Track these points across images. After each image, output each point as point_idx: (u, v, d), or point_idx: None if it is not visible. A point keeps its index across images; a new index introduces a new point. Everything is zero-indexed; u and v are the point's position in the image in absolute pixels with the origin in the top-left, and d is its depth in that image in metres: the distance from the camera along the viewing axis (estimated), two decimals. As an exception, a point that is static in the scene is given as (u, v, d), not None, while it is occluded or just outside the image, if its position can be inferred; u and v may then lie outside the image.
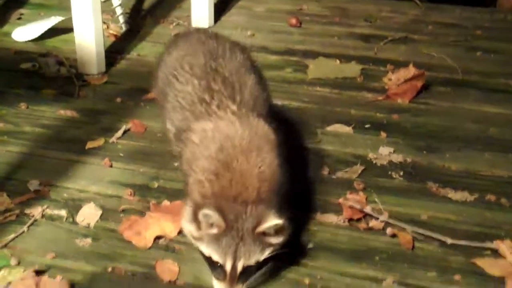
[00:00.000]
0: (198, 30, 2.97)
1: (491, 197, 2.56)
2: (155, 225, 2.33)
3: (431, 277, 2.17)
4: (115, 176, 2.64)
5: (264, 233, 1.97)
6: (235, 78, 2.30)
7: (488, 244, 2.29)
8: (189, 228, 2.05)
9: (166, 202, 2.47)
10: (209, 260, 2.01)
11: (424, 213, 2.46)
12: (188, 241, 2.26)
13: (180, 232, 2.31)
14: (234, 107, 2.22)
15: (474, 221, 2.43)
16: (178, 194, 2.50)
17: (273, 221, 1.96)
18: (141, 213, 2.40)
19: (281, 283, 2.12)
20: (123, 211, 2.43)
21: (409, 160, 2.77)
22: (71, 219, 2.39)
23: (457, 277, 2.17)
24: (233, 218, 1.96)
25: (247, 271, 1.99)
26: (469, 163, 2.76)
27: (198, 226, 2.01)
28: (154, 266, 2.17)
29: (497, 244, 2.27)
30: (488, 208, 2.51)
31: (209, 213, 1.96)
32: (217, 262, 1.98)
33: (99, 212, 2.42)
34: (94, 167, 2.69)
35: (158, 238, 2.30)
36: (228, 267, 1.98)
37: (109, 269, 2.16)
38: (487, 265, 2.22)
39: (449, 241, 2.30)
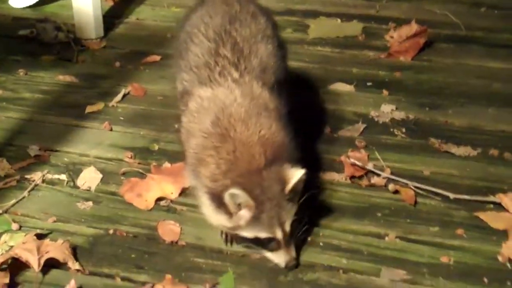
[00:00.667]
0: None
1: (494, 151, 2.53)
2: (156, 187, 2.32)
3: (434, 231, 2.16)
4: (115, 139, 2.63)
5: (292, 189, 1.94)
6: (246, 44, 2.19)
7: (491, 198, 2.27)
8: (219, 220, 1.98)
9: (167, 164, 2.46)
10: (256, 240, 1.96)
11: (427, 169, 2.44)
12: (190, 202, 2.28)
13: (182, 194, 2.31)
14: (236, 75, 2.11)
15: (477, 175, 2.41)
16: (179, 156, 2.48)
17: (296, 174, 1.93)
18: (142, 176, 2.39)
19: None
20: (124, 174, 2.42)
21: (411, 117, 2.74)
22: (71, 183, 2.38)
23: (459, 231, 2.16)
24: (259, 192, 1.89)
25: (292, 228, 1.97)
26: (472, 119, 2.73)
27: (227, 212, 1.94)
28: (155, 227, 2.17)
29: (500, 198, 2.25)
30: (491, 162, 2.48)
31: (236, 193, 1.87)
32: (266, 238, 1.94)
33: (100, 175, 2.41)
34: (94, 131, 2.68)
35: (159, 199, 2.29)
36: (279, 235, 1.93)
37: (111, 232, 2.17)
38: (490, 218, 2.20)
39: (452, 196, 2.29)
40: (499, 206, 2.25)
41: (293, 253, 1.99)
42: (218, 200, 1.93)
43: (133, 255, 2.07)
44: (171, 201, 2.29)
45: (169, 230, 2.17)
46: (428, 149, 2.55)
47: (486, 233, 2.15)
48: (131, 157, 2.50)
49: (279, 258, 1.98)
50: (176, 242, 2.12)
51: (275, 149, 1.99)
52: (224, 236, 2.11)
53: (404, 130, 2.65)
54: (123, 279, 1.99)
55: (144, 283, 1.96)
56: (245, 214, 1.92)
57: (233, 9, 2.30)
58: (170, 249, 2.10)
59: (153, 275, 1.99)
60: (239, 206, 1.91)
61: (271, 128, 2.04)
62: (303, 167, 1.96)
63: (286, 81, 2.32)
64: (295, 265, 2.00)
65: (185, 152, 2.12)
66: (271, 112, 2.09)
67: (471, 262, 2.05)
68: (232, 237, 2.10)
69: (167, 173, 2.40)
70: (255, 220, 1.91)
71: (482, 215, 2.21)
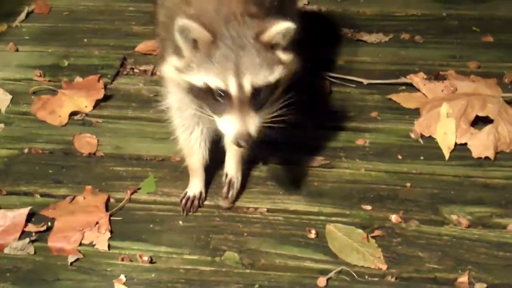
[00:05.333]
0: None
1: (405, 35, 2.57)
2: (69, 102, 2.26)
3: (349, 117, 2.19)
4: (22, 59, 2.52)
5: (271, 46, 1.57)
6: None
7: (403, 80, 2.32)
8: (172, 62, 1.62)
9: (78, 79, 2.39)
10: (205, 92, 1.57)
11: (340, 59, 2.46)
12: (106, 114, 2.24)
13: (96, 106, 2.26)
14: None
15: (389, 60, 2.45)
16: (90, 70, 2.44)
17: (282, 24, 1.55)
18: (54, 92, 2.32)
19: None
20: (34, 93, 2.34)
21: (323, 9, 2.74)
22: (-20, 108, 2.30)
23: (374, 114, 2.20)
24: (222, 26, 1.54)
25: (258, 97, 1.56)
26: (383, 6, 2.75)
27: (180, 54, 1.59)
28: (72, 141, 2.13)
29: (411, 78, 2.30)
30: (402, 46, 2.52)
31: (186, 25, 1.52)
32: (216, 89, 1.54)
33: (9, 97, 2.32)
34: (-1, 54, 2.57)
35: (73, 114, 2.24)
36: (232, 88, 1.53)
37: (26, 151, 2.11)
38: (402, 99, 2.25)
39: (365, 81, 2.32)
40: (411, 87, 2.30)
41: (250, 127, 1.56)
42: (174, 46, 1.61)
43: (50, 171, 2.03)
44: (86, 114, 2.24)
45: (85, 142, 2.13)
46: (342, 39, 2.56)
47: (399, 113, 2.21)
48: (40, 75, 2.41)
49: (226, 125, 1.57)
50: (94, 154, 2.09)
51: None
52: (183, 202, 1.89)
53: (316, 24, 2.65)
54: (42, 195, 1.96)
55: (64, 196, 1.94)
56: (198, 52, 1.57)
57: None
58: (88, 161, 2.07)
59: (72, 188, 1.97)
60: (195, 44, 1.56)
61: None
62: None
63: None
64: (247, 144, 1.57)
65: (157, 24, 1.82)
66: None
67: (385, 142, 2.10)
68: (192, 204, 1.88)
69: (80, 87, 2.33)
70: (206, 59, 1.54)
71: (395, 97, 2.26)
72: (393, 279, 1.67)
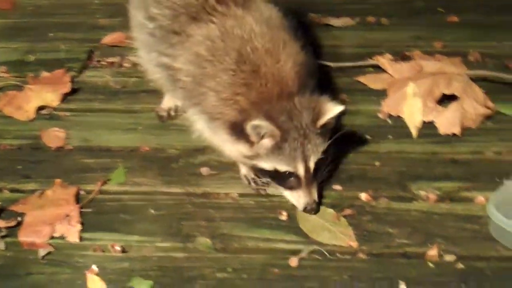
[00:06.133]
0: None
1: (371, 18, 2.59)
2: (35, 97, 2.24)
3: (318, 100, 2.21)
4: (-14, 56, 2.50)
5: (325, 124, 1.75)
6: None
7: (370, 61, 2.33)
8: (238, 149, 1.77)
9: (45, 73, 2.36)
10: (274, 173, 1.75)
11: (308, 43, 2.46)
12: (74, 107, 2.23)
13: (64, 100, 2.25)
14: None
15: (356, 43, 2.47)
16: (57, 64, 2.42)
17: (334, 109, 1.73)
18: (20, 88, 2.29)
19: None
20: (0, 89, 2.32)
21: (290, -5, 2.74)
22: None
23: (343, 96, 2.22)
24: (286, 119, 1.70)
25: (317, 169, 1.77)
26: (350, -10, 2.77)
27: (248, 142, 1.73)
28: (39, 136, 2.11)
29: (378, 59, 2.31)
30: (369, 29, 2.55)
31: (259, 124, 1.67)
32: (285, 172, 1.74)
33: (-26, 94, 2.31)
34: (-39, 52, 2.54)
35: (40, 109, 2.22)
36: (301, 171, 1.73)
37: (-7, 147, 2.10)
38: (370, 81, 2.27)
39: (333, 65, 2.33)
40: (378, 69, 2.32)
41: (314, 196, 1.78)
42: (239, 132, 1.74)
43: (19, 166, 2.01)
44: (54, 108, 2.23)
45: (54, 136, 2.11)
46: (309, 24, 2.57)
47: (367, 94, 2.23)
48: (5, 72, 2.39)
49: (297, 198, 1.78)
50: (63, 147, 2.08)
51: (305, 71, 1.82)
52: (246, 178, 1.92)
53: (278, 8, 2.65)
54: (11, 190, 1.93)
55: (33, 191, 1.92)
56: (267, 142, 1.72)
57: None
58: (57, 155, 2.06)
59: (41, 182, 1.95)
60: (262, 137, 1.72)
61: (299, 53, 1.84)
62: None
63: None
64: (314, 209, 1.78)
65: (192, 99, 1.87)
66: (288, 27, 1.91)
67: (354, 123, 2.11)
68: (255, 178, 1.91)
69: (46, 81, 2.31)
70: (276, 149, 1.71)
71: (363, 79, 2.28)
72: (364, 256, 1.68)
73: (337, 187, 1.88)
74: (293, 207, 1.80)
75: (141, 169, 1.99)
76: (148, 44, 1.97)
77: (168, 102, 2.17)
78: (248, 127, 1.69)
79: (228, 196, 1.88)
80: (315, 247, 1.70)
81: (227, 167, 1.96)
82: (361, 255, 1.68)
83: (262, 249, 1.72)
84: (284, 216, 1.80)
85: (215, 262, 1.68)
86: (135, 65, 2.32)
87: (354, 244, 1.70)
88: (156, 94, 2.20)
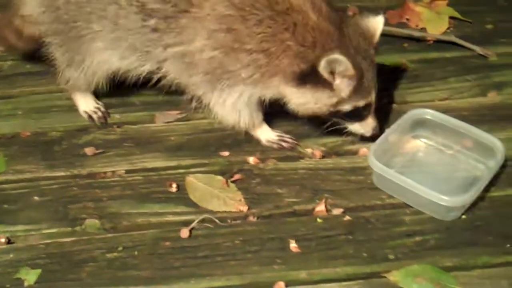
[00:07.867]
0: None
1: None
2: None
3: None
4: None
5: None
6: None
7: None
8: (318, 101, 1.68)
9: None
10: (351, 112, 1.72)
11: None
12: None
13: None
14: None
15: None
16: None
17: (379, 20, 1.71)
18: None
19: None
20: None
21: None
22: None
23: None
24: (353, 51, 1.63)
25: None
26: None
27: (326, 87, 1.65)
28: None
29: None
30: None
31: (336, 58, 1.58)
32: (363, 106, 1.71)
33: None
34: None
35: None
36: (373, 99, 1.72)
37: None
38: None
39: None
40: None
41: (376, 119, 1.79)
42: (312, 79, 1.63)
43: None
44: None
45: None
46: None
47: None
48: None
49: (367, 126, 1.77)
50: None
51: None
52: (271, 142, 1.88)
53: None
54: None
55: None
56: (345, 83, 1.65)
57: None
58: None
59: None
60: (334, 77, 1.64)
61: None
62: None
63: None
64: (379, 131, 1.79)
65: (223, 76, 1.72)
66: None
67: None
68: (281, 135, 1.88)
69: None
70: (358, 87, 1.66)
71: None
72: (254, 219, 1.69)
73: (225, 153, 1.87)
74: (182, 178, 1.79)
75: (23, 155, 1.90)
76: (148, 45, 1.76)
77: (87, 102, 1.99)
78: (323, 64, 1.59)
79: (115, 174, 1.84)
80: (206, 215, 1.69)
81: (113, 145, 1.91)
82: (252, 218, 1.70)
83: (152, 224, 1.70)
84: (173, 188, 1.78)
85: (104, 243, 1.65)
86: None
87: (244, 208, 1.71)
88: (35, 75, 2.11)
